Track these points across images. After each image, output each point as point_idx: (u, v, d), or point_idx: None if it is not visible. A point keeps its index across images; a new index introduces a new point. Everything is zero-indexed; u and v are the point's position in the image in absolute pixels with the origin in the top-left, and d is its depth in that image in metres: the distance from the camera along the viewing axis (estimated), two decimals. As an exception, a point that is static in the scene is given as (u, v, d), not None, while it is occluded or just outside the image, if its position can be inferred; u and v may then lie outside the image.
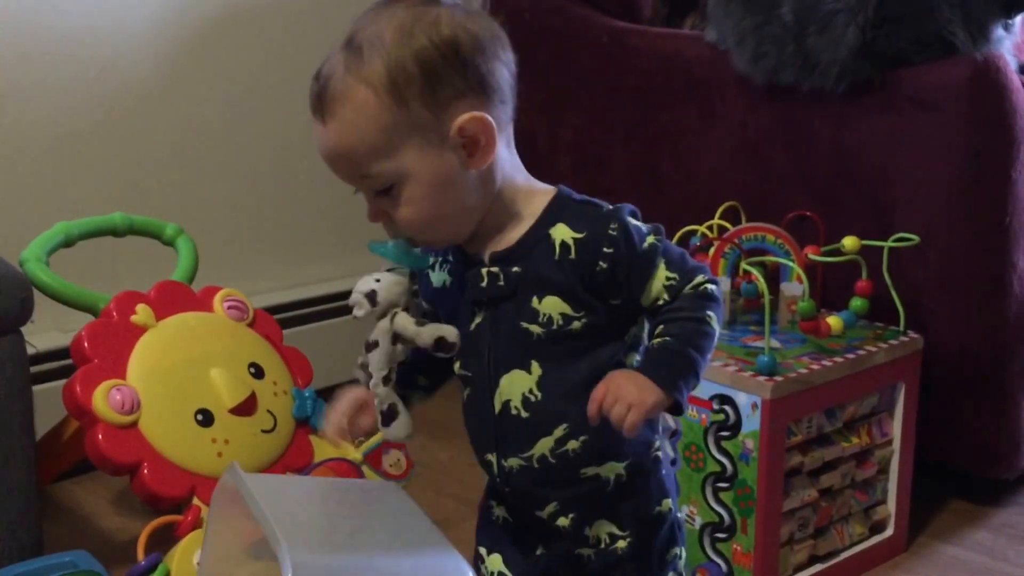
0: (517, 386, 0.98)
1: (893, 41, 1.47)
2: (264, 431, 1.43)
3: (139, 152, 1.95)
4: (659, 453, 1.02)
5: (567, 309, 0.96)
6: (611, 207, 0.97)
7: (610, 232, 0.95)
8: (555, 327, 0.96)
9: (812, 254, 1.51)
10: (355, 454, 1.49)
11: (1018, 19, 1.49)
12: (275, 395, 1.48)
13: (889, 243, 1.52)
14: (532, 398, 0.97)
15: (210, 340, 1.47)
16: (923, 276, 1.57)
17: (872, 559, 1.58)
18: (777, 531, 1.45)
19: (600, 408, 0.92)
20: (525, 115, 2.17)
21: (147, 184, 1.96)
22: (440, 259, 1.03)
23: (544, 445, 0.98)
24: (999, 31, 1.45)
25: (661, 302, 0.96)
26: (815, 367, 1.43)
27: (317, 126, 0.95)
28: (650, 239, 0.96)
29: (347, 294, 2.21)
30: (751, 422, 1.40)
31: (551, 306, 0.96)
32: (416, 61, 0.92)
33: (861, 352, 1.49)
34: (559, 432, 0.98)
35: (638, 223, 0.97)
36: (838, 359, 1.46)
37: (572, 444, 0.98)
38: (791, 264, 1.51)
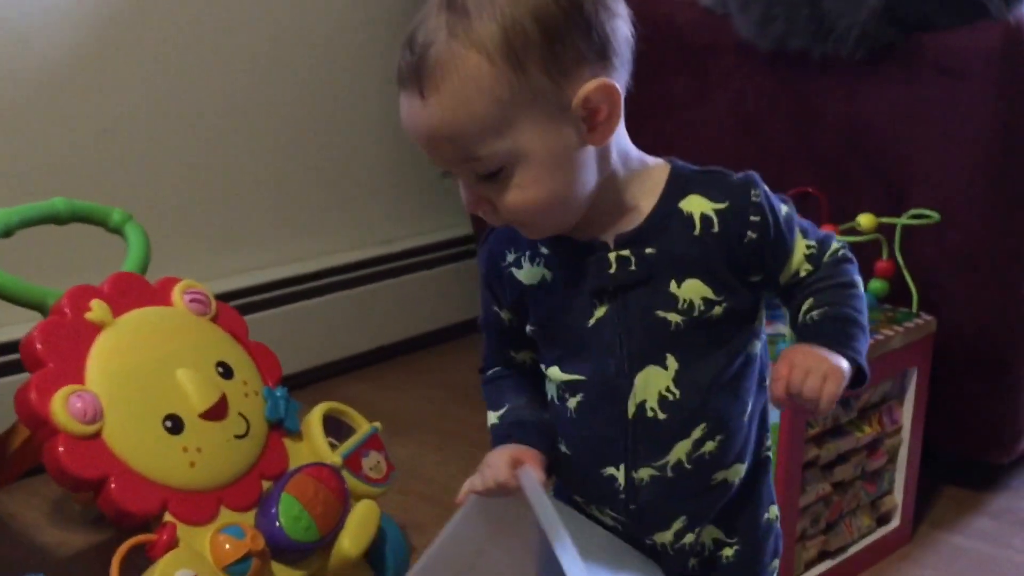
0: (654, 384, 0.86)
1: (919, 3, 1.37)
2: (237, 436, 1.29)
3: (71, 133, 1.77)
4: (770, 453, 0.94)
5: (708, 292, 0.85)
6: (741, 173, 0.87)
7: (754, 199, 0.85)
8: (696, 314, 0.85)
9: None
10: (334, 458, 1.36)
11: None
12: (246, 396, 1.33)
13: (908, 220, 1.43)
14: (670, 396, 0.86)
15: (173, 337, 1.31)
16: (938, 255, 1.49)
17: (880, 551, 1.51)
18: (794, 529, 1.36)
19: (786, 388, 0.82)
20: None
21: (82, 168, 1.78)
22: (527, 252, 0.90)
23: (681, 449, 0.87)
24: (1031, -7, 1.36)
25: (804, 273, 0.87)
26: (838, 353, 1.34)
27: (412, 102, 0.81)
28: (785, 208, 0.87)
29: (303, 278, 2.08)
30: (771, 415, 1.29)
31: (692, 290, 0.85)
32: (535, 19, 0.79)
33: (879, 336, 1.39)
34: (698, 433, 0.87)
35: (766, 189, 0.87)
36: (857, 345, 1.37)
37: (709, 445, 0.87)
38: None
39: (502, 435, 0.93)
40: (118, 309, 1.30)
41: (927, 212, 1.43)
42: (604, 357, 0.87)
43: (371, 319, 2.16)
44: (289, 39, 2.02)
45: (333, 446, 1.38)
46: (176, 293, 1.39)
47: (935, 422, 1.54)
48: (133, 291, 1.34)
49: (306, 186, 2.10)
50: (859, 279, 0.89)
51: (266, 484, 1.28)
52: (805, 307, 0.87)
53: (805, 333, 0.87)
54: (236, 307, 1.48)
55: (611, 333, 0.87)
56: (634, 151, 0.88)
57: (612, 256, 0.86)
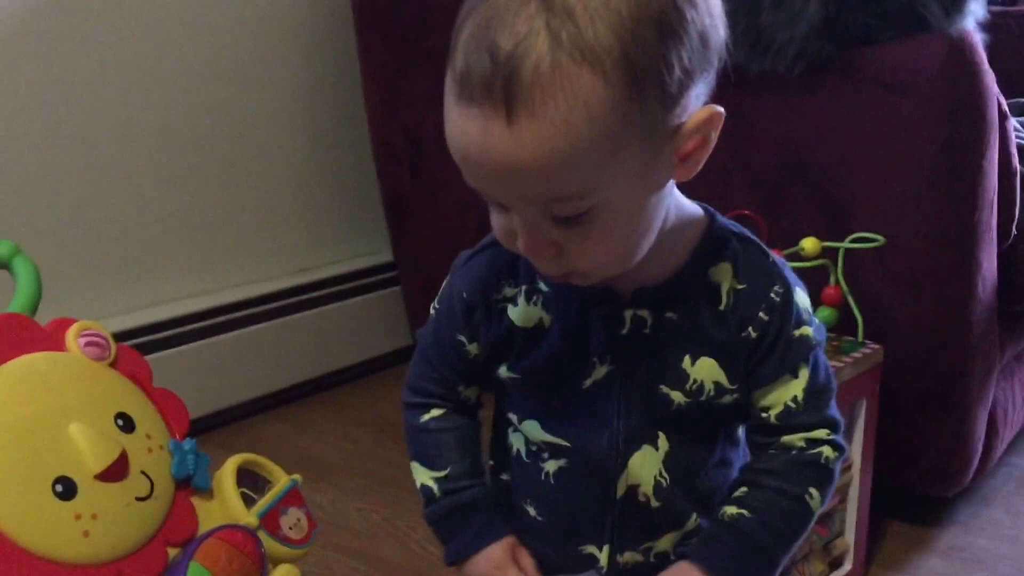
0: (649, 468, 0.77)
1: (859, 16, 1.31)
2: (139, 498, 1.16)
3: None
4: None
5: (723, 378, 0.75)
6: (774, 258, 0.77)
7: (772, 295, 0.74)
8: (703, 398, 0.75)
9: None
10: (249, 518, 1.24)
11: (986, -7, 1.35)
12: (149, 451, 1.20)
13: (851, 244, 1.37)
14: (664, 482, 0.77)
15: (66, 387, 1.18)
16: (883, 280, 1.43)
17: (832, 597, 1.44)
18: (745, 576, 1.28)
19: None
20: (409, 109, 1.98)
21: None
22: (524, 287, 0.78)
23: (670, 540, 0.79)
24: (972, 5, 1.30)
25: (770, 419, 0.75)
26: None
27: (489, 125, 0.64)
28: (807, 329, 0.75)
29: (212, 311, 1.97)
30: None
31: (705, 371, 0.75)
32: (657, 31, 0.62)
33: (829, 368, 1.33)
34: (691, 524, 0.78)
35: (803, 298, 0.76)
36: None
37: (696, 530, 0.79)
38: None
39: (451, 520, 0.84)
40: (2, 355, 1.17)
41: (871, 235, 1.37)
42: (597, 427, 0.77)
43: (287, 354, 2.04)
44: (201, 62, 1.91)
45: (248, 498, 1.26)
46: (70, 336, 1.25)
47: (879, 455, 1.47)
48: (19, 334, 1.21)
49: (214, 212, 1.98)
50: (819, 493, 0.77)
51: (172, 551, 1.16)
52: (735, 493, 0.76)
53: (708, 535, 0.77)
54: (139, 345, 1.36)
55: (608, 401, 0.76)
56: (676, 192, 0.76)
57: (628, 314, 0.75)
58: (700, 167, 0.71)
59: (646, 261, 0.73)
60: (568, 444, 0.79)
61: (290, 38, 2.04)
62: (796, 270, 1.34)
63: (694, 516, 0.79)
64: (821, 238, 1.37)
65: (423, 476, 0.86)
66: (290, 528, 1.28)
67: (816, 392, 0.77)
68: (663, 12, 0.63)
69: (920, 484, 1.58)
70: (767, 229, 1.43)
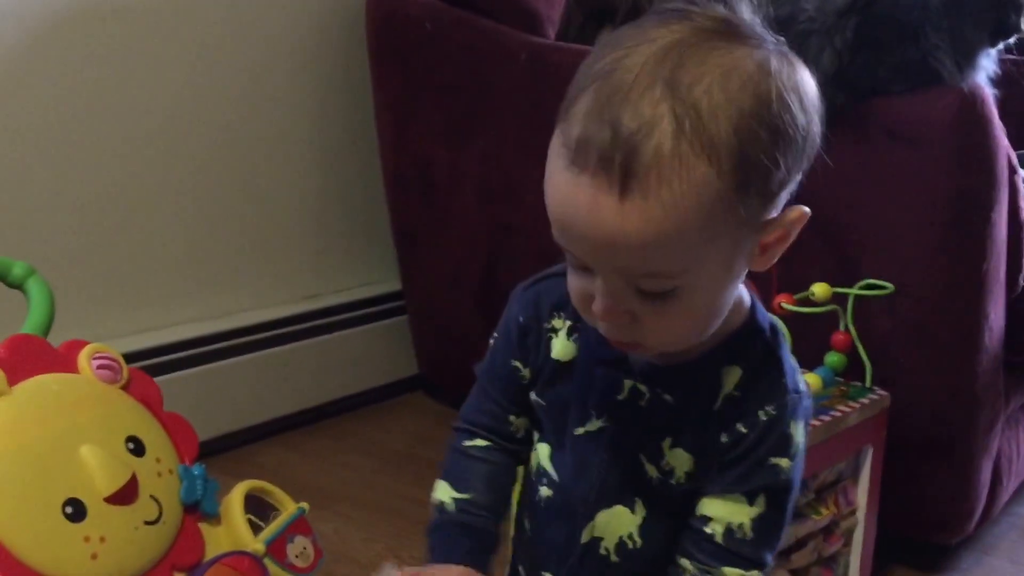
0: (616, 526, 0.79)
1: (872, 67, 1.32)
2: (147, 522, 1.16)
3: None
4: None
5: (693, 471, 0.76)
6: (796, 385, 0.75)
7: (760, 413, 0.74)
8: (673, 481, 0.77)
9: (786, 303, 1.35)
10: (256, 545, 1.24)
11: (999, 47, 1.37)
12: (159, 476, 1.21)
13: (860, 291, 1.38)
14: (630, 544, 0.78)
15: (78, 409, 1.19)
16: (891, 327, 1.43)
17: (834, 640, 1.43)
18: (749, 619, 1.28)
19: None
20: (420, 141, 2.00)
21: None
22: (569, 324, 0.80)
23: None
24: (983, 60, 1.32)
25: (715, 536, 0.75)
26: (795, 432, 1.27)
27: (600, 195, 0.65)
28: (784, 462, 0.74)
29: (218, 336, 1.96)
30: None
31: (678, 460, 0.76)
32: (772, 134, 0.65)
33: (835, 413, 1.33)
34: None
35: (797, 432, 0.75)
36: (814, 422, 1.30)
37: None
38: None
39: (449, 531, 0.84)
40: (15, 377, 1.17)
41: (880, 283, 1.38)
42: (579, 474, 0.80)
43: (292, 380, 2.05)
44: (209, 82, 1.92)
45: (255, 525, 1.27)
46: (82, 358, 1.26)
47: (884, 501, 1.48)
48: (33, 356, 1.21)
49: (225, 238, 1.99)
50: None
51: (179, 576, 1.16)
52: None
53: None
54: (148, 368, 1.36)
55: (594, 453, 0.79)
56: None
57: (627, 383, 0.77)
58: (775, 260, 0.74)
59: None
60: (557, 479, 0.82)
61: (304, 68, 2.06)
62: (807, 316, 1.36)
63: None
64: (832, 284, 1.38)
65: (444, 493, 0.86)
66: (296, 556, 1.28)
67: (766, 529, 0.76)
68: (779, 114, 0.66)
69: (924, 531, 1.58)
70: (777, 272, 1.44)
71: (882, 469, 1.44)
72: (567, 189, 0.66)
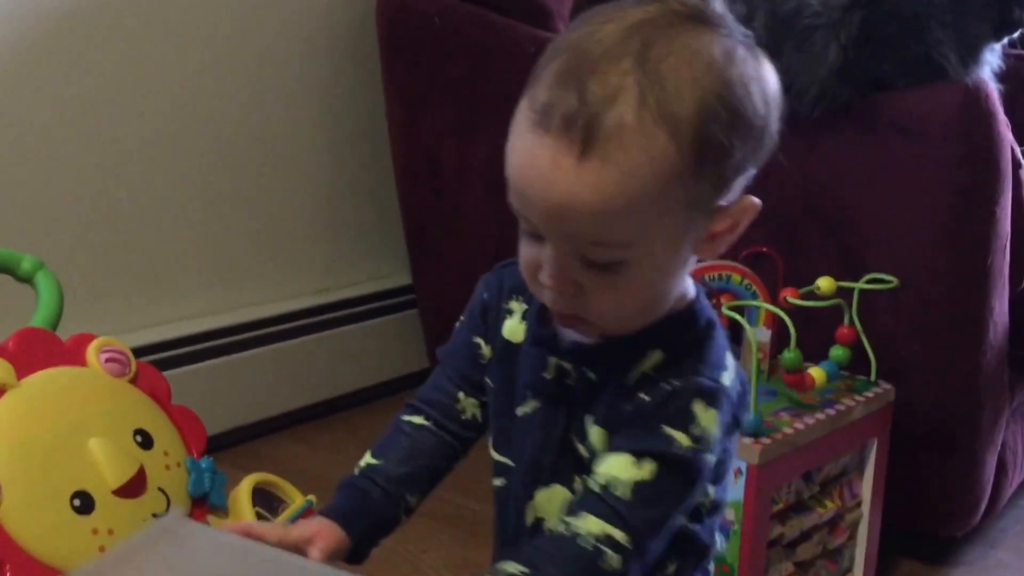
0: (556, 505, 0.79)
1: (877, 62, 1.33)
2: (155, 515, 1.17)
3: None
4: None
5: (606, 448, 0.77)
6: (713, 374, 0.74)
7: (664, 384, 0.73)
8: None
9: (791, 296, 1.35)
10: (264, 535, 1.25)
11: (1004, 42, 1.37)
12: (167, 468, 1.22)
13: (865, 285, 1.38)
14: None
15: (86, 403, 1.20)
16: (895, 321, 1.44)
17: (839, 633, 1.44)
18: (754, 612, 1.29)
19: None
20: (431, 135, 2.01)
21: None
22: (526, 307, 0.82)
23: None
24: (987, 54, 1.32)
25: (587, 484, 0.74)
26: (799, 426, 1.28)
27: (558, 156, 0.67)
28: (681, 436, 0.72)
29: (230, 330, 1.97)
30: (733, 490, 1.22)
31: (596, 437, 0.77)
32: (731, 117, 0.67)
33: (840, 407, 1.34)
34: None
35: (705, 417, 0.73)
36: (819, 416, 1.31)
37: None
38: (771, 308, 1.35)
39: (344, 491, 0.87)
40: (23, 370, 1.19)
41: (885, 277, 1.38)
42: (520, 456, 0.81)
43: (303, 374, 2.06)
44: (221, 77, 1.93)
45: (262, 518, 1.28)
46: (91, 352, 1.28)
47: (889, 494, 1.48)
48: (42, 349, 1.23)
49: (235, 231, 2.00)
50: None
51: (185, 568, 1.17)
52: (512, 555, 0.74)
53: None
54: (157, 361, 1.38)
55: (530, 433, 0.80)
56: None
57: (553, 362, 0.78)
58: (722, 250, 0.75)
59: None
60: (507, 463, 0.83)
61: (315, 64, 2.07)
62: (812, 309, 1.37)
63: None
64: (836, 278, 1.38)
65: (363, 459, 0.89)
66: (302, 549, 1.29)
67: (646, 500, 0.72)
68: (740, 99, 0.68)
69: (929, 524, 1.58)
70: (783, 267, 1.45)
71: (887, 462, 1.44)
72: (529, 150, 0.69)
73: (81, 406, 1.20)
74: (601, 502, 0.73)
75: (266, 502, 1.31)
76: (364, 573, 1.55)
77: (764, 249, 1.47)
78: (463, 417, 0.88)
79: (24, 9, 1.67)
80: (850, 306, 1.39)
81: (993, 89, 1.34)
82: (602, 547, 0.71)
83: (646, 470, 0.72)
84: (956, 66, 1.30)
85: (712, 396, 0.74)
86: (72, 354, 1.26)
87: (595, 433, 0.77)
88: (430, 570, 1.56)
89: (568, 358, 0.78)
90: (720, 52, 0.69)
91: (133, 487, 1.16)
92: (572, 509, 0.75)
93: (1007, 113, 1.34)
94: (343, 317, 2.14)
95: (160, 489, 1.20)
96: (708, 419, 0.73)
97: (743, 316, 1.33)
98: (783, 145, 1.43)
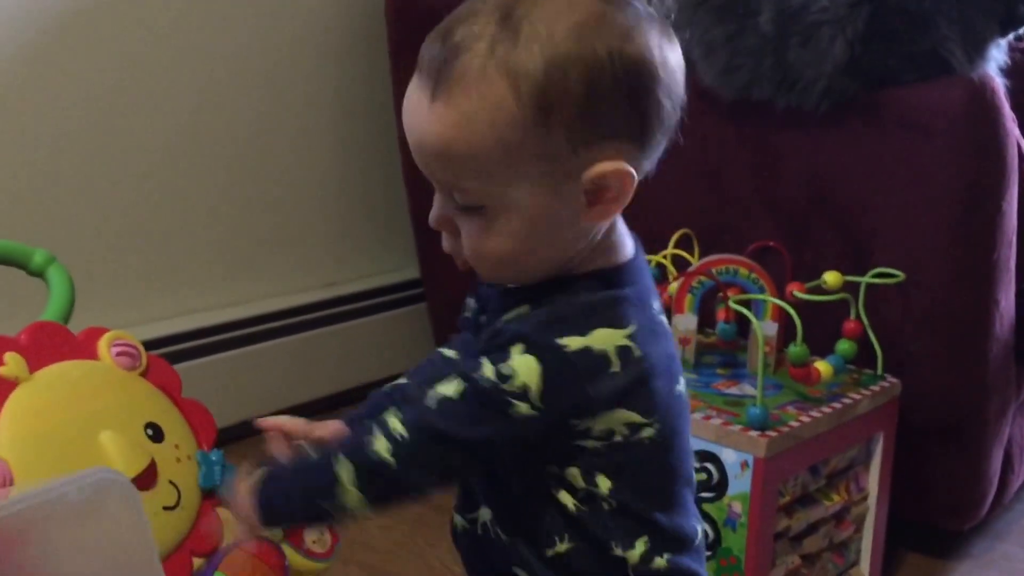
0: None
1: (883, 57, 1.33)
2: (166, 508, 1.18)
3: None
4: None
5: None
6: (550, 331, 0.75)
7: (498, 323, 0.79)
8: None
9: (797, 291, 1.36)
10: (273, 530, 1.26)
11: (1009, 37, 1.37)
12: (177, 461, 1.23)
13: (872, 279, 1.38)
14: None
15: (97, 396, 1.21)
16: (902, 315, 1.44)
17: (846, 628, 1.45)
18: (759, 604, 1.29)
19: None
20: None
21: (0, 203, 1.68)
22: None
23: (485, 514, 0.84)
24: (993, 50, 1.32)
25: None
26: (805, 419, 1.28)
27: (419, 96, 0.74)
28: (488, 367, 0.75)
29: (239, 323, 1.98)
30: (740, 483, 1.23)
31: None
32: (584, 77, 0.70)
33: (846, 400, 1.35)
34: (486, 514, 0.84)
35: (520, 362, 0.75)
36: (825, 409, 1.32)
37: (499, 531, 0.83)
38: (778, 302, 1.35)
39: (370, 401, 0.97)
40: (35, 363, 1.20)
41: (891, 271, 1.38)
42: None
43: (313, 367, 2.07)
44: (232, 75, 1.94)
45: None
46: (102, 345, 1.28)
47: (895, 487, 1.49)
48: (53, 343, 1.24)
49: (245, 226, 2.01)
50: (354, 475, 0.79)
51: (197, 562, 1.18)
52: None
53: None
54: (167, 354, 1.38)
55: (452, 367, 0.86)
56: (610, 232, 0.80)
57: (470, 303, 0.87)
58: (609, 219, 0.77)
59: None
60: None
61: (325, 61, 2.07)
62: (818, 303, 1.37)
63: (490, 508, 0.84)
64: (843, 272, 1.38)
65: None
66: (313, 542, 1.30)
67: (444, 414, 0.77)
68: (597, 64, 0.70)
69: (935, 517, 1.59)
70: (790, 261, 1.45)
71: (893, 456, 1.45)
72: (408, 94, 0.75)
73: (92, 399, 1.21)
74: (404, 402, 0.82)
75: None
76: (374, 567, 1.56)
77: (771, 243, 1.48)
78: None
79: (42, 6, 1.68)
80: (857, 300, 1.39)
81: (999, 84, 1.34)
82: (377, 430, 0.78)
83: (452, 388, 0.77)
84: (962, 61, 1.30)
85: (537, 348, 0.75)
86: (83, 348, 1.27)
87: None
88: (438, 564, 1.57)
89: (477, 300, 0.86)
90: (593, 16, 0.71)
91: (144, 479, 1.17)
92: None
93: (1013, 108, 1.35)
94: (352, 311, 2.15)
95: (171, 482, 1.20)
96: (523, 365, 0.74)
97: (750, 310, 1.34)
98: (788, 139, 1.44)
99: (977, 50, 1.31)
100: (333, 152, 2.13)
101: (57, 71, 1.72)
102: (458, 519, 0.88)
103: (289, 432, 0.93)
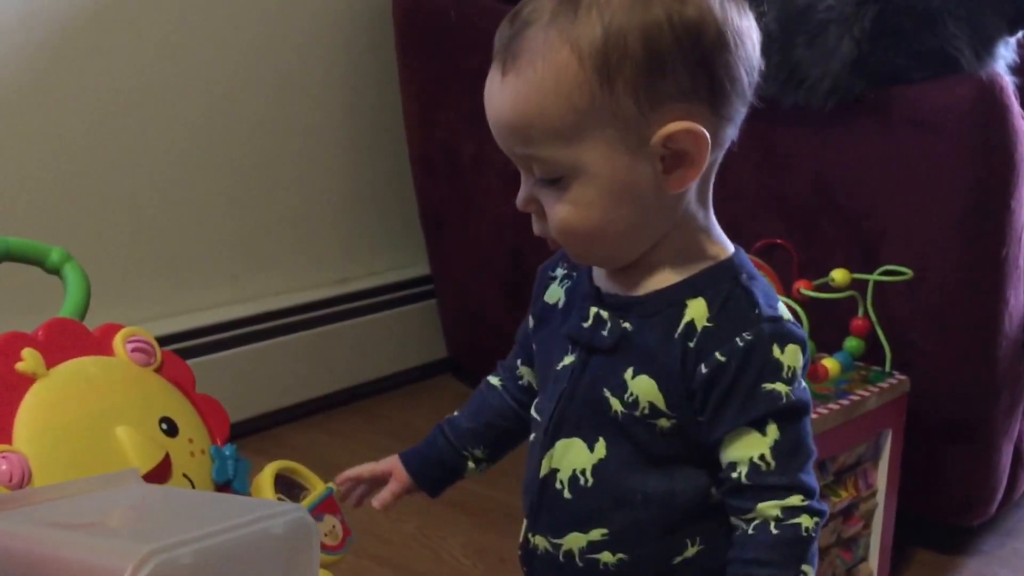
0: (571, 459, 0.81)
1: (891, 56, 1.33)
2: (180, 500, 1.20)
3: (5, 165, 1.68)
4: None
5: (659, 401, 0.77)
6: (772, 312, 0.76)
7: (737, 340, 0.75)
8: (638, 413, 0.78)
9: (804, 288, 1.37)
10: (287, 521, 1.27)
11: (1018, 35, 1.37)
12: (191, 456, 1.24)
13: (880, 276, 1.39)
14: (582, 480, 0.80)
15: (113, 391, 1.22)
16: (910, 312, 1.45)
17: (854, 623, 1.45)
18: (767, 599, 1.30)
19: None
20: (447, 127, 2.02)
21: (17, 202, 1.70)
22: (565, 272, 0.87)
23: (574, 540, 0.81)
24: (1001, 48, 1.33)
25: (741, 478, 0.75)
26: (813, 416, 1.28)
27: (494, 76, 0.77)
28: (780, 386, 0.75)
29: (250, 319, 2.00)
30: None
31: (642, 388, 0.78)
32: (643, 38, 0.72)
33: (854, 397, 1.35)
34: (595, 535, 0.80)
35: (787, 356, 0.75)
36: (832, 406, 1.32)
37: (607, 556, 0.80)
38: (785, 300, 1.35)
39: (426, 439, 0.98)
40: (52, 359, 1.21)
41: (899, 268, 1.39)
42: (548, 406, 0.83)
43: (325, 363, 2.09)
44: (244, 74, 1.96)
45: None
46: (117, 341, 1.30)
47: (905, 483, 1.49)
48: (70, 339, 1.25)
49: (258, 223, 2.03)
50: (811, 565, 0.76)
51: (208, 553, 1.20)
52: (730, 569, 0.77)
53: None
54: (180, 350, 1.40)
55: (561, 384, 0.82)
56: (703, 217, 0.81)
57: (593, 311, 0.81)
58: (687, 184, 0.76)
59: (642, 270, 0.80)
60: (538, 419, 0.86)
61: (332, 54, 2.09)
62: (826, 301, 1.38)
63: (602, 531, 0.80)
64: (851, 269, 1.39)
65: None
66: (325, 535, 1.31)
67: (787, 453, 0.76)
68: (655, 25, 0.72)
69: (945, 513, 1.60)
70: (798, 258, 1.46)
71: (902, 452, 1.45)
72: (488, 80, 0.77)
73: (108, 394, 1.22)
74: (759, 489, 0.76)
75: (288, 488, 1.33)
76: (386, 558, 1.58)
77: (779, 241, 1.48)
78: (520, 383, 0.95)
79: (55, 6, 1.70)
80: (864, 298, 1.40)
81: (1008, 82, 1.34)
82: (789, 520, 0.75)
83: (773, 432, 0.76)
84: (970, 60, 1.30)
85: (785, 334, 0.76)
86: (99, 344, 1.29)
87: (640, 384, 0.78)
88: (449, 556, 1.58)
89: (606, 308, 0.81)
90: None
91: (159, 473, 1.19)
92: (739, 508, 0.77)
93: (1022, 106, 1.35)
94: (363, 307, 2.16)
95: (185, 476, 1.22)
96: (789, 357, 0.76)
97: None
98: (796, 137, 1.45)
99: (985, 48, 1.31)
100: (343, 151, 2.15)
101: (72, 74, 1.74)
102: (540, 540, 0.84)
103: (361, 478, 1.05)
